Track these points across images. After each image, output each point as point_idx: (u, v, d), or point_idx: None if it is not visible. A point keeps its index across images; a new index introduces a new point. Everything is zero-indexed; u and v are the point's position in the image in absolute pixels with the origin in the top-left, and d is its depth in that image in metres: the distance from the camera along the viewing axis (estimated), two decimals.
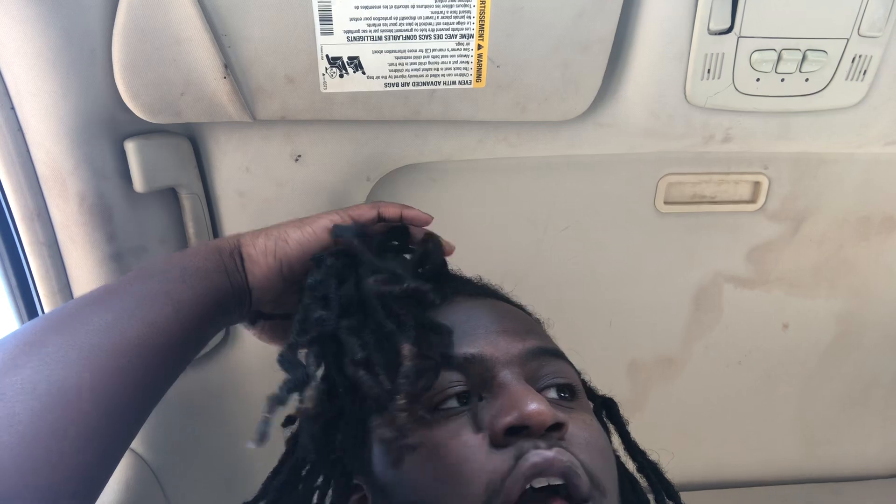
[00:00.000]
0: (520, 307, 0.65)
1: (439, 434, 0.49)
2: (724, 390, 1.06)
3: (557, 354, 0.56)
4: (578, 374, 0.61)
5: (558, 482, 0.45)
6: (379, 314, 0.51)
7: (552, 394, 0.53)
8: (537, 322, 0.64)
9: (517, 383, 0.49)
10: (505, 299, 0.65)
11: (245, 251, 0.55)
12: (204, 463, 0.88)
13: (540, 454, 0.45)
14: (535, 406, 0.46)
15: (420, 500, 0.48)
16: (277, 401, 0.47)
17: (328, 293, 0.52)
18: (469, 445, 0.47)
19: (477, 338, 0.53)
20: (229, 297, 0.54)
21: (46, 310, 0.71)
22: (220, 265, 0.54)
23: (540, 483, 0.45)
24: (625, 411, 1.05)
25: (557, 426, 0.47)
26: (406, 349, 0.48)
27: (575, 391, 0.54)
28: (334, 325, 0.51)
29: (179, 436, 0.84)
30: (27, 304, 0.73)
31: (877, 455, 1.15)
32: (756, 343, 1.02)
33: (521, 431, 0.47)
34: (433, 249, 0.62)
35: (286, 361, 0.49)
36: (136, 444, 0.80)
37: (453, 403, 0.50)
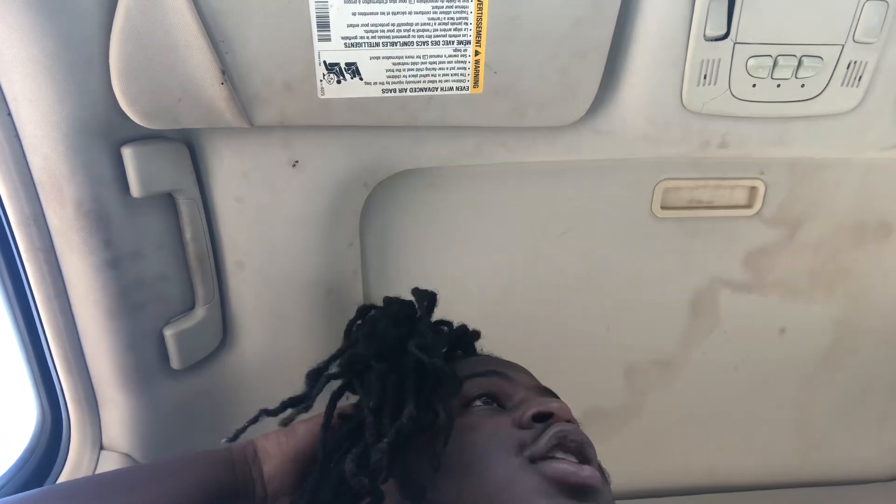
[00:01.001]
0: None
1: (471, 420, 0.56)
2: (722, 394, 1.06)
3: (551, 392, 0.65)
4: None
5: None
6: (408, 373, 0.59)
7: (476, 403, 0.60)
8: None
9: (534, 395, 0.58)
10: None
11: (259, 445, 0.60)
12: None
13: (564, 426, 0.53)
14: (557, 403, 0.55)
15: (458, 484, 0.52)
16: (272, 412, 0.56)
17: (375, 334, 0.62)
18: (500, 423, 0.55)
19: (501, 365, 0.65)
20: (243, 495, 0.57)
21: (43, 316, 0.71)
22: (231, 469, 0.57)
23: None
24: (623, 416, 1.06)
25: (573, 422, 0.55)
26: (407, 411, 0.55)
27: (495, 399, 0.61)
28: (366, 363, 0.60)
29: (174, 440, 0.84)
30: (23, 310, 0.73)
31: (874, 459, 1.15)
32: (753, 348, 1.02)
33: (545, 419, 0.54)
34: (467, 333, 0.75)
35: (309, 378, 0.60)
36: (132, 449, 0.79)
37: (479, 404, 0.59)
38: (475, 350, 0.76)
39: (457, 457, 0.53)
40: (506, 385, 0.61)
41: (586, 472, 0.50)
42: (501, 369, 0.63)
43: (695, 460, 1.12)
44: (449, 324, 0.73)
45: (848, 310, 1.00)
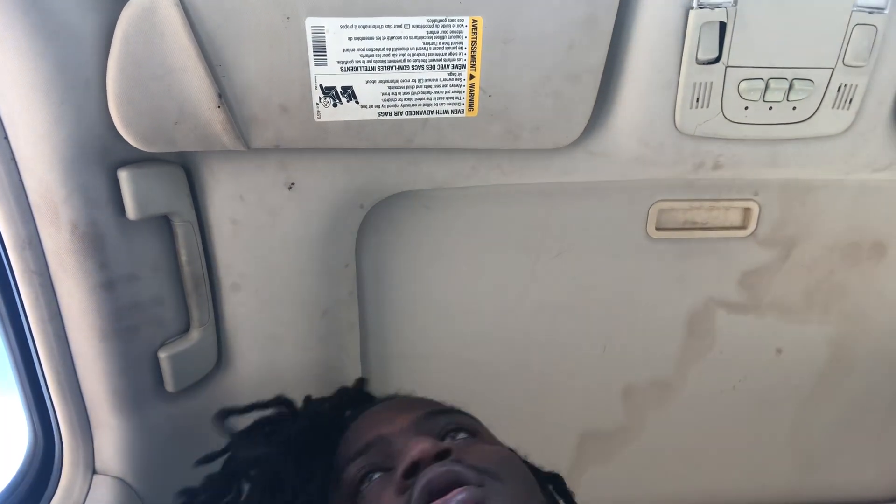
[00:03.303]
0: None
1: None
2: (720, 415, 1.05)
3: (448, 411, 0.65)
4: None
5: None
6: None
7: (453, 437, 0.61)
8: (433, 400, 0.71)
9: (408, 440, 0.57)
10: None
11: None
12: None
13: (427, 472, 0.52)
14: (419, 446, 0.54)
15: None
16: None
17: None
18: (385, 497, 0.55)
19: (375, 424, 0.63)
20: None
21: (37, 339, 0.71)
22: None
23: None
24: (621, 437, 1.05)
25: (443, 454, 0.55)
26: None
27: (471, 431, 0.63)
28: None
29: (170, 465, 0.83)
30: (17, 332, 0.73)
31: (873, 479, 1.14)
32: (750, 368, 1.02)
33: (416, 471, 0.54)
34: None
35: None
36: (125, 473, 0.79)
37: (367, 483, 0.59)
38: (367, 400, 0.76)
39: None
40: (384, 447, 0.60)
41: (455, 499, 0.50)
42: (376, 432, 0.62)
43: (693, 481, 1.11)
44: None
45: (844, 330, 1.00)
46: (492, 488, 0.52)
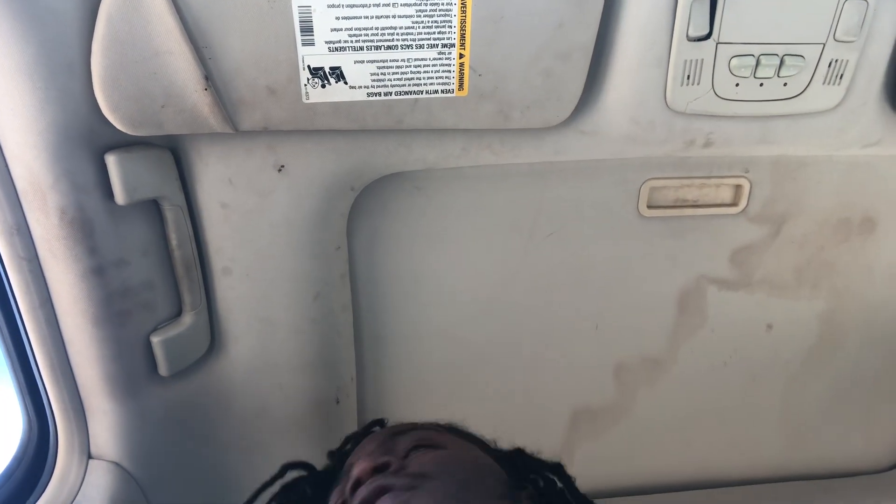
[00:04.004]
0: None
1: None
2: (711, 391, 1.07)
3: (410, 430, 0.68)
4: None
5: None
6: None
7: (416, 452, 0.64)
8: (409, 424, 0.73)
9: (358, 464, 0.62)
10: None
11: None
12: (190, 475, 0.87)
13: (362, 487, 0.58)
14: (356, 468, 0.60)
15: None
16: None
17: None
18: None
19: (356, 454, 0.68)
20: None
21: (28, 326, 0.71)
22: None
23: None
24: (613, 414, 1.06)
25: (381, 467, 0.60)
26: None
27: (431, 444, 0.65)
28: None
29: (165, 449, 0.83)
30: (7, 319, 0.72)
31: (861, 451, 1.16)
32: (741, 344, 1.03)
33: (358, 486, 0.59)
34: None
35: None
36: (121, 457, 0.79)
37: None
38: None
39: None
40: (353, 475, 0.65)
41: None
42: (349, 462, 0.67)
43: (684, 457, 1.13)
44: None
45: (833, 305, 1.01)
46: (421, 489, 0.56)
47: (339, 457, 0.73)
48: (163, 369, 0.78)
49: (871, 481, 1.16)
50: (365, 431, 0.76)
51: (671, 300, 0.98)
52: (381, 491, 0.56)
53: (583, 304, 0.96)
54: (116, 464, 0.79)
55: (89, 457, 0.79)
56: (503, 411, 1.02)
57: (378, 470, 0.60)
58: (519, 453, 0.70)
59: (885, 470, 1.18)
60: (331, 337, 0.87)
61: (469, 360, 0.98)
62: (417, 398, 1.01)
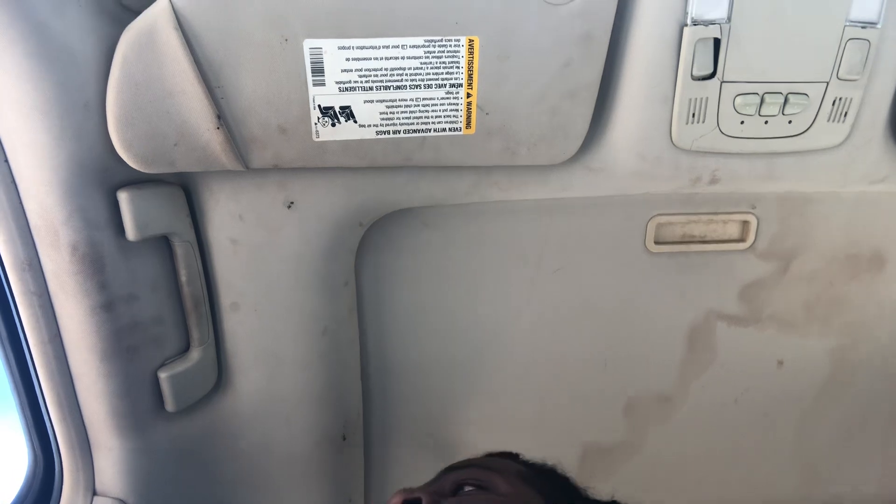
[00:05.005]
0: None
1: None
2: (723, 428, 1.05)
3: (463, 467, 0.68)
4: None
5: None
6: None
7: (462, 490, 0.65)
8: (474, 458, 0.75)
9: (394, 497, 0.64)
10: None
11: None
12: None
13: None
14: (393, 499, 0.61)
15: None
16: None
17: None
18: None
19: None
20: None
21: (37, 360, 0.71)
22: None
23: None
24: (623, 452, 1.05)
25: (414, 501, 0.60)
26: None
27: (478, 484, 0.65)
28: None
29: (170, 485, 0.82)
30: (17, 354, 0.73)
31: (876, 489, 1.14)
32: (752, 380, 1.02)
33: None
34: None
35: None
36: (126, 494, 0.78)
37: None
38: None
39: None
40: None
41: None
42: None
43: (697, 494, 1.11)
44: None
45: (844, 341, 1.00)
46: None
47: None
48: (170, 405, 0.77)
49: None
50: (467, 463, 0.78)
51: (680, 336, 0.97)
52: None
53: (591, 340, 0.96)
54: (122, 501, 0.78)
55: (94, 493, 0.78)
56: (512, 447, 1.01)
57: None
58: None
59: None
60: (338, 372, 0.86)
61: (477, 396, 0.98)
62: (424, 433, 1.00)
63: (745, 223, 0.89)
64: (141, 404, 0.76)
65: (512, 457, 0.78)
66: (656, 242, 0.89)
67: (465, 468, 0.68)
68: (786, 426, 1.07)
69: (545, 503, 0.66)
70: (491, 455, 0.79)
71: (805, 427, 1.07)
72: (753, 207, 0.89)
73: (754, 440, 1.07)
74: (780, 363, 1.01)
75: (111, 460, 0.77)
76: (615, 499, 0.72)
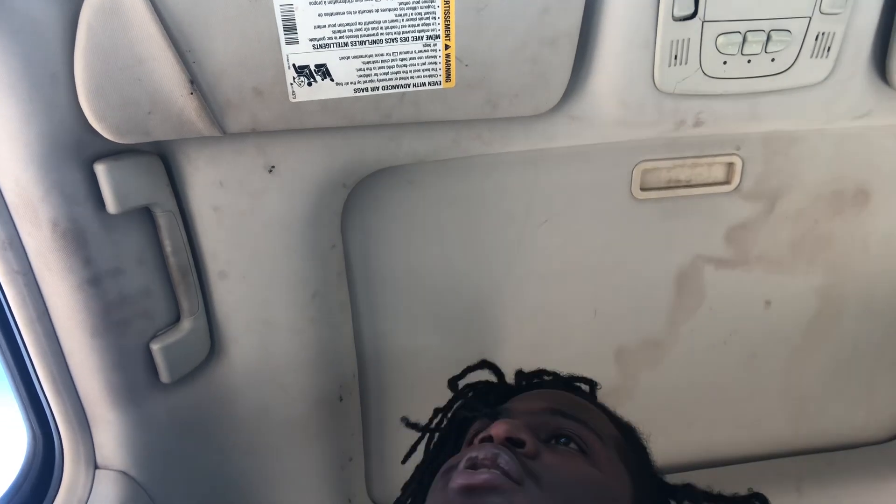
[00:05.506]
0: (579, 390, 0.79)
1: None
2: (712, 370, 1.07)
3: (570, 416, 0.65)
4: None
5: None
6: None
7: (557, 441, 0.62)
8: (576, 401, 0.72)
9: (512, 418, 0.61)
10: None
11: None
12: (197, 480, 0.88)
13: (481, 447, 0.57)
14: (500, 425, 0.59)
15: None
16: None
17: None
18: (460, 454, 0.60)
19: (521, 400, 0.70)
20: None
21: (27, 339, 0.70)
22: None
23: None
24: (616, 397, 1.06)
25: (517, 441, 0.58)
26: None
27: (580, 445, 0.62)
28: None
29: (170, 455, 0.83)
30: (6, 333, 0.72)
31: (864, 423, 1.17)
32: (740, 322, 1.03)
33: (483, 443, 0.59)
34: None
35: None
36: (128, 466, 0.79)
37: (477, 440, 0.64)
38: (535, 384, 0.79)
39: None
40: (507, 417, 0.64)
41: (478, 477, 0.53)
42: (512, 405, 0.68)
43: (689, 436, 1.13)
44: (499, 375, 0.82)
45: (830, 278, 1.01)
46: (524, 493, 0.53)
47: (526, 377, 0.78)
48: (164, 376, 0.78)
49: (873, 453, 1.17)
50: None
51: (669, 281, 0.98)
52: (492, 464, 0.54)
53: (581, 290, 0.96)
54: (123, 472, 0.79)
55: (96, 467, 0.79)
56: None
57: (512, 441, 0.58)
58: (688, 490, 0.67)
59: (886, 441, 1.18)
60: (331, 335, 0.87)
61: (469, 350, 0.98)
62: (420, 391, 1.01)
63: (730, 165, 0.89)
64: (135, 377, 0.76)
65: (592, 387, 0.80)
66: (642, 189, 0.89)
67: (561, 403, 0.66)
68: (774, 366, 1.09)
69: (631, 482, 0.63)
70: (573, 379, 0.79)
71: (793, 366, 1.09)
72: (738, 149, 0.89)
73: (743, 380, 1.09)
74: (768, 303, 1.02)
75: (110, 434, 0.77)
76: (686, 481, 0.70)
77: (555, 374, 0.79)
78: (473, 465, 0.55)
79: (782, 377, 1.10)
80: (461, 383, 0.79)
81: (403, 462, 0.77)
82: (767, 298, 1.02)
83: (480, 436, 0.62)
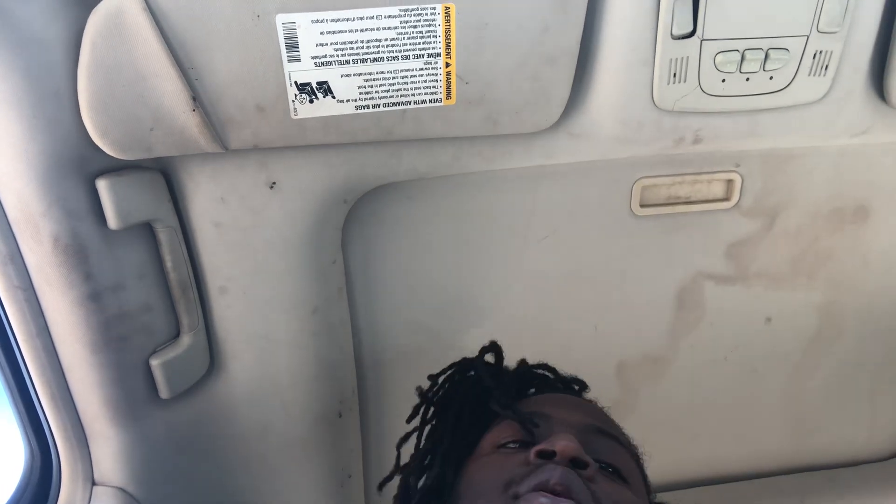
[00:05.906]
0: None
1: (490, 459, 0.60)
2: (713, 386, 1.07)
3: (613, 437, 0.64)
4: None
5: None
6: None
7: (608, 471, 0.59)
8: (608, 417, 0.72)
9: (563, 431, 0.59)
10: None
11: None
12: (195, 496, 0.87)
13: (556, 468, 0.52)
14: (565, 441, 0.54)
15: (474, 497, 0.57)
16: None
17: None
18: (508, 462, 0.57)
19: (551, 404, 0.66)
20: None
21: (26, 354, 0.70)
22: None
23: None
24: (616, 413, 1.06)
25: (581, 463, 0.54)
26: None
27: (620, 472, 0.60)
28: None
29: (169, 471, 0.83)
30: (5, 348, 0.72)
31: (866, 440, 1.16)
32: (740, 338, 1.03)
33: (550, 457, 0.54)
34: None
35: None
36: (125, 483, 0.78)
37: (513, 445, 0.61)
38: (547, 385, 0.79)
39: (464, 491, 0.59)
40: (542, 427, 0.62)
41: None
42: (546, 410, 0.65)
43: (689, 452, 1.13)
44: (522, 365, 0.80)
45: (831, 295, 1.01)
46: None
47: (525, 370, 0.77)
48: (163, 392, 0.77)
49: (875, 470, 1.16)
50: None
51: (669, 297, 0.98)
52: (568, 491, 0.50)
53: (581, 306, 0.96)
54: (121, 489, 0.78)
55: (93, 483, 0.78)
56: None
57: (575, 463, 0.54)
58: None
59: (888, 458, 1.18)
60: (331, 351, 0.87)
61: None
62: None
63: (730, 182, 0.90)
64: (134, 393, 0.76)
65: (582, 388, 0.80)
66: (642, 205, 0.89)
67: (601, 419, 0.66)
68: (775, 382, 1.08)
69: None
70: (573, 380, 0.80)
71: (794, 382, 1.09)
72: (737, 166, 0.89)
73: (744, 396, 1.09)
74: (769, 319, 1.02)
75: (108, 450, 0.77)
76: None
77: (554, 371, 0.80)
78: (544, 488, 0.51)
79: (783, 393, 1.09)
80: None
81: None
82: (768, 315, 1.02)
83: (537, 448, 0.56)
